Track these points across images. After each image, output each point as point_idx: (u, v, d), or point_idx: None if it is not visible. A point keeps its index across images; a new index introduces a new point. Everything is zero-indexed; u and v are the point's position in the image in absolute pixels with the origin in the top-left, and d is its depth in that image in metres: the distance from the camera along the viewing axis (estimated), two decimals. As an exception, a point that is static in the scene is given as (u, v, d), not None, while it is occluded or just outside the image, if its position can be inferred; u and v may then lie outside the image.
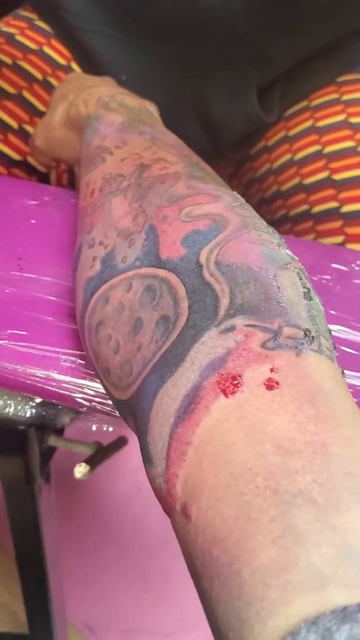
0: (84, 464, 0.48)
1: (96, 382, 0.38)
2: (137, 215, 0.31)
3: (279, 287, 0.24)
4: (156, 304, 0.26)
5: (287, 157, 0.64)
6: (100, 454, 0.51)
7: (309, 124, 0.64)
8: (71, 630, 0.85)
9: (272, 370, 0.22)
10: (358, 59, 0.67)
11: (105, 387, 0.30)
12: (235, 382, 0.21)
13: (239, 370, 0.22)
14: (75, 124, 0.46)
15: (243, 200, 0.30)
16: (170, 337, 0.24)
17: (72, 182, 0.70)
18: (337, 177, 0.60)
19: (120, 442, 0.57)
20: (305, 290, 0.25)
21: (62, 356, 0.38)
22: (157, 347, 0.25)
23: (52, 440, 0.52)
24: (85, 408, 0.38)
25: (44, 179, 0.67)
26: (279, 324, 0.23)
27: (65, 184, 0.70)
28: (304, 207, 0.62)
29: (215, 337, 0.23)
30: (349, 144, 0.61)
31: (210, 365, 0.22)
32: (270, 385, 0.21)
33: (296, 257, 0.27)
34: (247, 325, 0.23)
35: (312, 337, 0.23)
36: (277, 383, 0.21)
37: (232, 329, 0.23)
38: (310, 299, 0.25)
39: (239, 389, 0.21)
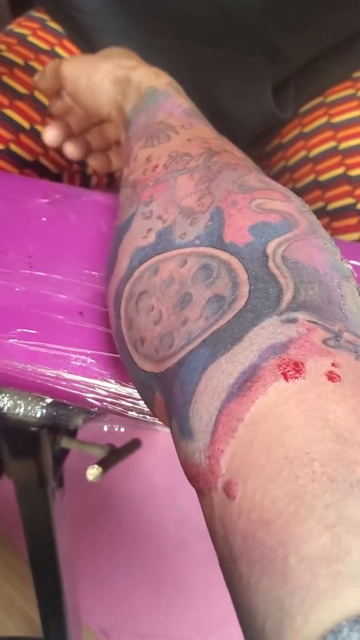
0: (96, 466, 0.47)
1: (109, 381, 0.37)
2: (203, 196, 0.30)
3: (342, 295, 0.25)
4: (211, 282, 0.26)
5: (302, 154, 0.64)
6: (113, 456, 0.50)
7: (324, 120, 0.63)
8: (87, 634, 0.84)
9: (333, 364, 0.21)
10: None
11: (129, 360, 0.29)
12: (297, 367, 0.21)
13: (302, 359, 0.21)
14: (121, 84, 0.44)
15: (308, 207, 0.30)
16: (225, 317, 0.24)
17: (84, 183, 0.70)
18: (353, 173, 0.59)
19: (134, 444, 0.56)
20: None
21: (73, 355, 0.38)
22: (208, 323, 0.24)
23: (65, 442, 0.52)
24: (96, 408, 0.38)
25: (56, 180, 0.66)
26: (340, 327, 0.23)
27: (78, 184, 0.69)
28: (320, 204, 0.61)
29: (277, 324, 0.23)
30: None
31: (272, 348, 0.22)
32: (332, 377, 0.21)
33: (355, 273, 0.27)
34: (309, 321, 0.23)
35: None
36: (339, 377, 0.21)
37: (294, 320, 0.23)
38: None
39: (301, 375, 0.21)
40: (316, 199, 0.61)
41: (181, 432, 0.23)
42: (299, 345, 0.22)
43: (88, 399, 0.37)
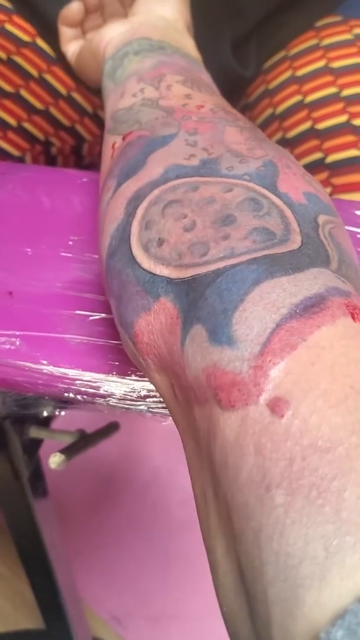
0: (58, 454, 0.46)
1: (41, 363, 0.35)
2: (253, 148, 0.29)
3: None
4: (260, 215, 0.25)
5: (269, 111, 0.61)
6: (81, 442, 0.48)
7: (288, 74, 0.60)
8: (97, 623, 0.84)
9: None
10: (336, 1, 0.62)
11: (129, 260, 0.27)
12: None
13: None
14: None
15: None
16: (277, 249, 0.23)
17: (48, 164, 0.68)
18: (320, 126, 0.56)
19: (110, 428, 0.55)
20: None
21: (2, 338, 0.36)
22: (257, 247, 0.23)
23: (33, 432, 0.50)
24: (31, 393, 0.36)
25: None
26: None
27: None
28: None
29: (335, 275, 0.22)
30: (331, 90, 0.56)
31: (337, 289, 0.21)
32: None
33: None
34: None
35: None
36: None
37: (345, 282, 0.22)
38: None
39: None
40: None
41: (214, 337, 0.21)
42: (358, 299, 0.21)
43: (21, 383, 0.35)
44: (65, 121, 0.63)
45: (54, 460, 0.46)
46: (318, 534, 0.15)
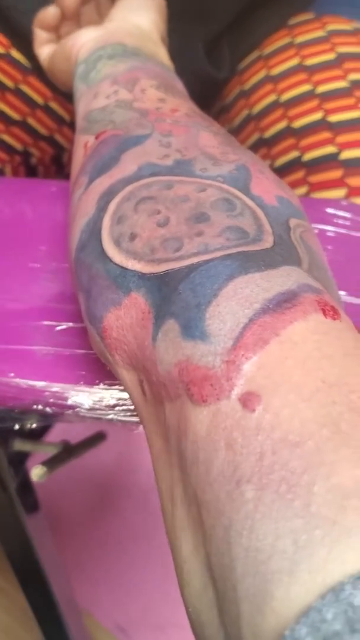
0: (40, 466, 0.45)
1: (7, 376, 0.35)
2: (227, 153, 0.30)
3: (338, 292, 0.26)
4: (233, 215, 0.25)
5: (245, 112, 0.60)
6: (64, 454, 0.48)
7: (262, 74, 0.59)
8: (102, 633, 0.83)
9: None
10: None
11: (98, 253, 0.27)
12: (334, 310, 0.21)
13: (336, 306, 0.21)
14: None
15: None
16: (250, 247, 0.23)
17: (29, 175, 0.68)
18: (296, 124, 0.55)
19: (97, 438, 0.54)
20: None
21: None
22: (231, 244, 0.23)
23: (17, 445, 0.50)
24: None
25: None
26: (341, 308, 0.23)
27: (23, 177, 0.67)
28: (267, 162, 0.58)
29: (306, 274, 0.22)
30: (306, 87, 0.56)
31: (308, 286, 0.21)
32: None
33: None
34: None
35: None
36: None
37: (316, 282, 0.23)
38: None
39: (339, 317, 0.21)
40: (263, 158, 0.58)
41: (187, 332, 0.21)
42: (329, 297, 0.22)
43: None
44: (43, 131, 0.63)
45: (36, 473, 0.45)
46: (287, 528, 0.15)
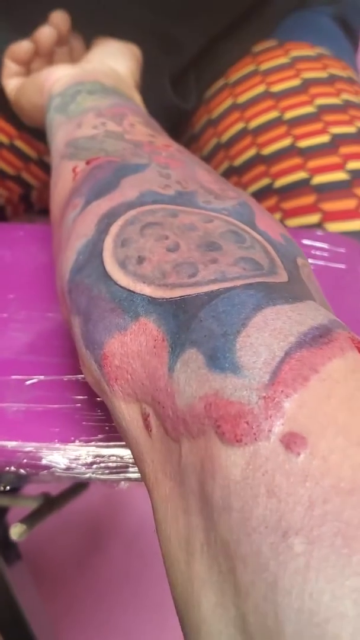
0: (19, 524, 0.43)
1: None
2: (226, 190, 0.29)
3: None
4: (245, 247, 0.24)
5: (214, 141, 0.60)
6: (45, 508, 0.45)
7: (229, 102, 0.59)
8: None
9: None
10: (272, 24, 0.62)
11: (101, 274, 0.25)
12: None
13: None
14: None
15: None
16: (267, 278, 0.22)
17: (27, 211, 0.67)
18: (265, 151, 0.55)
19: (79, 486, 0.52)
20: None
21: None
22: (248, 274, 0.22)
23: (-6, 499, 0.47)
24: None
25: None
26: None
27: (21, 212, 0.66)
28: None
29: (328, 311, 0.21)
30: (273, 114, 0.56)
31: (337, 322, 0.20)
32: None
33: None
34: None
35: None
36: None
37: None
38: None
39: None
40: (235, 186, 0.57)
41: (214, 363, 0.19)
42: (354, 336, 0.20)
43: None
44: (10, 170, 0.62)
45: (15, 531, 0.43)
46: (347, 587, 0.14)
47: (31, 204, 0.69)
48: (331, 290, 0.40)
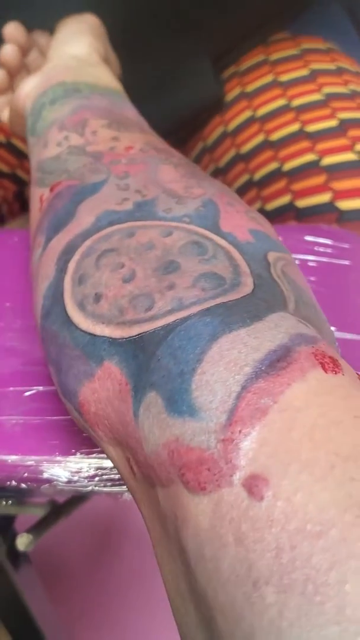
0: (25, 534, 0.42)
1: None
2: (191, 187, 0.27)
3: (329, 328, 0.23)
4: (205, 259, 0.22)
5: (220, 129, 0.60)
6: (52, 516, 0.44)
7: (237, 91, 0.59)
8: None
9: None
10: (288, 18, 0.62)
11: (64, 321, 0.24)
12: (334, 362, 0.18)
13: (335, 355, 0.19)
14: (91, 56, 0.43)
15: None
16: (229, 296, 0.21)
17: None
18: (273, 137, 0.55)
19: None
20: None
21: None
22: (208, 295, 0.21)
23: (2, 508, 0.46)
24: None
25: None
26: (337, 351, 0.20)
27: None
28: (245, 177, 0.57)
29: (296, 319, 0.20)
30: (281, 102, 0.55)
31: (301, 336, 0.19)
32: None
33: None
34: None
35: None
36: None
37: (307, 325, 0.20)
38: None
39: (340, 371, 0.18)
40: (241, 173, 0.57)
41: (172, 407, 0.18)
42: (325, 344, 0.19)
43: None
44: (4, 168, 0.61)
45: (22, 542, 0.42)
46: (322, 637, 0.13)
47: (25, 201, 0.68)
48: (336, 288, 0.38)
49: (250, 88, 0.57)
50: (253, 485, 0.16)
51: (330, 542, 0.14)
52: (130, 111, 0.39)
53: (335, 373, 0.18)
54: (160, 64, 0.57)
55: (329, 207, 0.49)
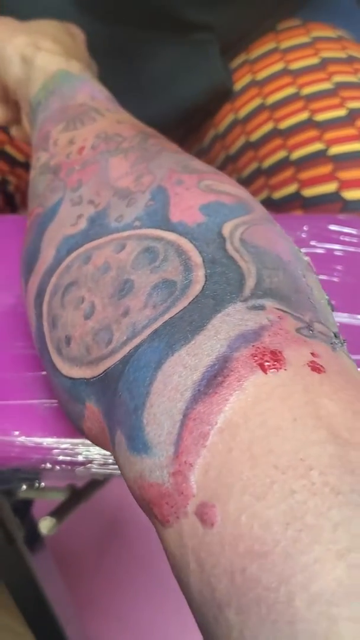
0: (48, 518, 0.42)
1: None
2: (141, 176, 0.27)
3: (307, 285, 0.22)
4: (157, 266, 0.22)
5: (231, 117, 0.60)
6: (73, 500, 0.45)
7: (248, 78, 0.59)
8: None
9: (313, 354, 0.18)
10: (298, 4, 0.62)
11: (51, 367, 0.25)
12: (275, 357, 0.18)
13: (279, 347, 0.18)
14: (26, 63, 0.40)
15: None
16: (179, 304, 0.21)
17: (8, 204, 0.65)
18: (282, 125, 0.55)
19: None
20: (327, 298, 0.23)
21: None
22: (158, 312, 0.21)
23: (22, 493, 0.46)
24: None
25: None
26: (310, 318, 0.20)
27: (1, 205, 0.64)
28: (254, 165, 0.57)
29: (244, 311, 0.19)
30: (291, 90, 0.56)
31: (242, 336, 0.18)
32: (315, 367, 0.18)
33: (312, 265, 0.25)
34: (278, 309, 0.20)
35: (342, 342, 0.20)
36: (323, 367, 0.18)
37: (261, 307, 0.20)
38: (332, 309, 0.23)
39: (282, 365, 0.18)
40: (250, 161, 0.58)
41: (132, 446, 0.19)
42: (273, 332, 0.19)
43: None
44: (20, 157, 0.60)
45: (45, 525, 0.42)
46: None
47: (10, 196, 0.67)
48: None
49: (260, 76, 0.58)
50: (203, 514, 0.16)
51: (276, 559, 0.14)
52: (80, 90, 0.37)
53: (277, 369, 0.18)
54: (170, 54, 0.58)
55: (335, 197, 0.50)
